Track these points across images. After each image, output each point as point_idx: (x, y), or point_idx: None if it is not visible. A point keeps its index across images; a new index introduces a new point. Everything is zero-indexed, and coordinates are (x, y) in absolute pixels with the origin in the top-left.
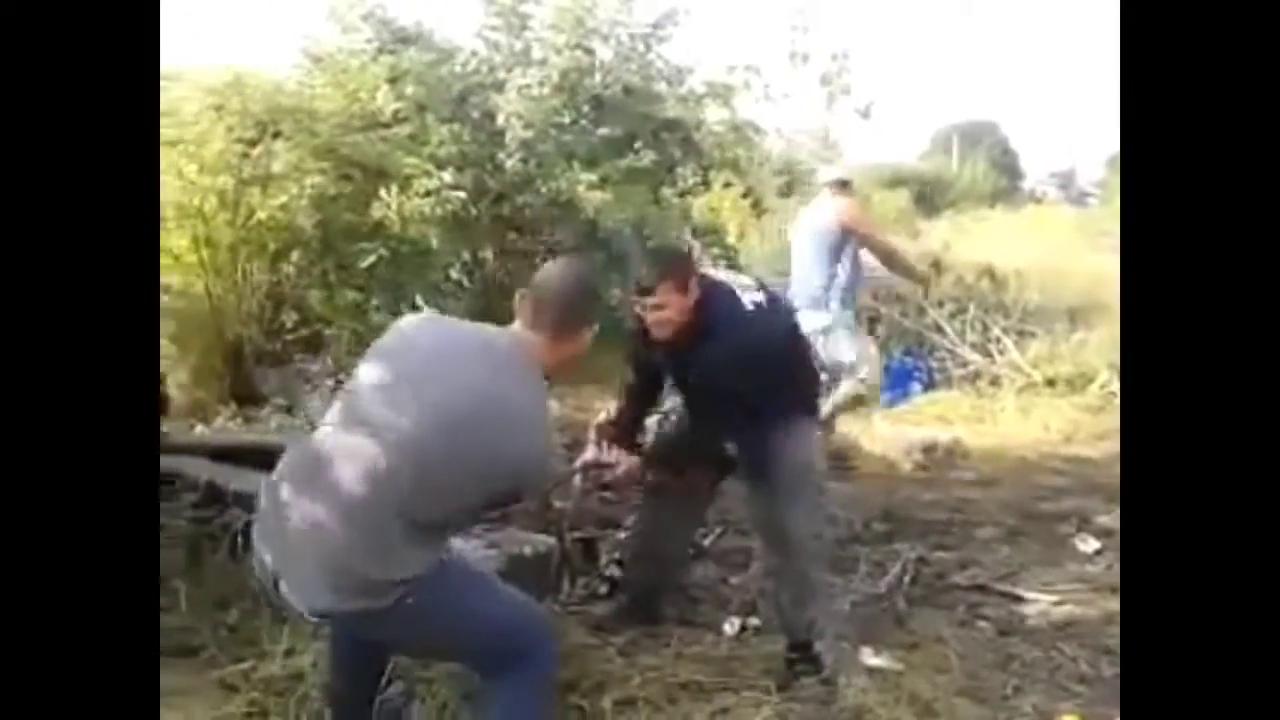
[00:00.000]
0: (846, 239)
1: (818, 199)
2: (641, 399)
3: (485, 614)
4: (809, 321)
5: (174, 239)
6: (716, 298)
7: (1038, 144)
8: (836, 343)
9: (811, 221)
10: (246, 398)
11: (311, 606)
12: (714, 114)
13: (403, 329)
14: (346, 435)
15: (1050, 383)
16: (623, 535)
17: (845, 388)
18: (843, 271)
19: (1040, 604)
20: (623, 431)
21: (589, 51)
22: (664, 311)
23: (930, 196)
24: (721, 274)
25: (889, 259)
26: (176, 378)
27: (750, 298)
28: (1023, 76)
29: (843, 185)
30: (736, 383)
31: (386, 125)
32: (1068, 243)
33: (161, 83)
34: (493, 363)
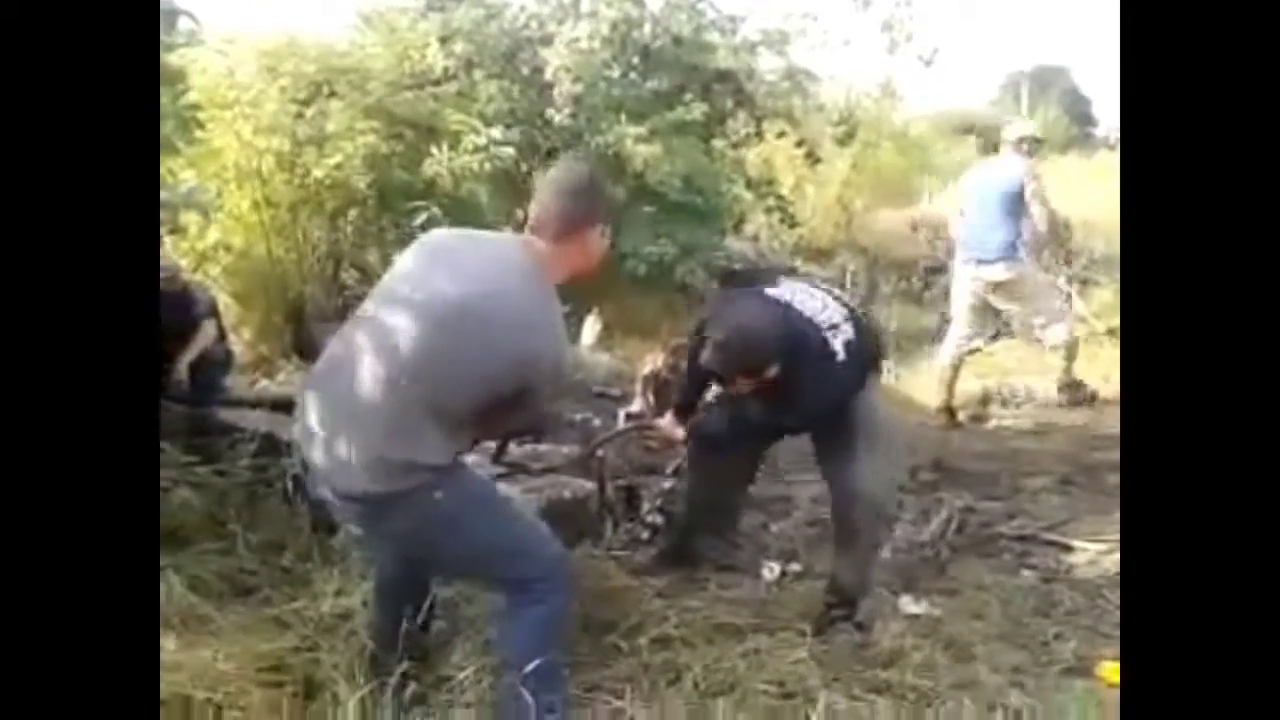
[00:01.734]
0: (1025, 198)
1: (1003, 154)
2: (700, 387)
3: (502, 531)
4: (991, 274)
5: (234, 200)
6: (805, 360)
7: (1112, 90)
8: (1029, 294)
9: (997, 179)
10: (308, 353)
11: (347, 490)
12: (767, 62)
13: (421, 240)
14: (362, 331)
15: (1112, 333)
16: (666, 483)
17: (1061, 333)
18: (1025, 229)
19: (1088, 553)
20: (676, 402)
21: (638, 2)
22: (741, 387)
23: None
24: (803, 295)
25: (1054, 225)
26: (241, 335)
27: (841, 340)
28: (1095, 20)
29: (1036, 143)
30: (817, 423)
31: (436, 83)
32: None
33: (218, 46)
34: (495, 262)
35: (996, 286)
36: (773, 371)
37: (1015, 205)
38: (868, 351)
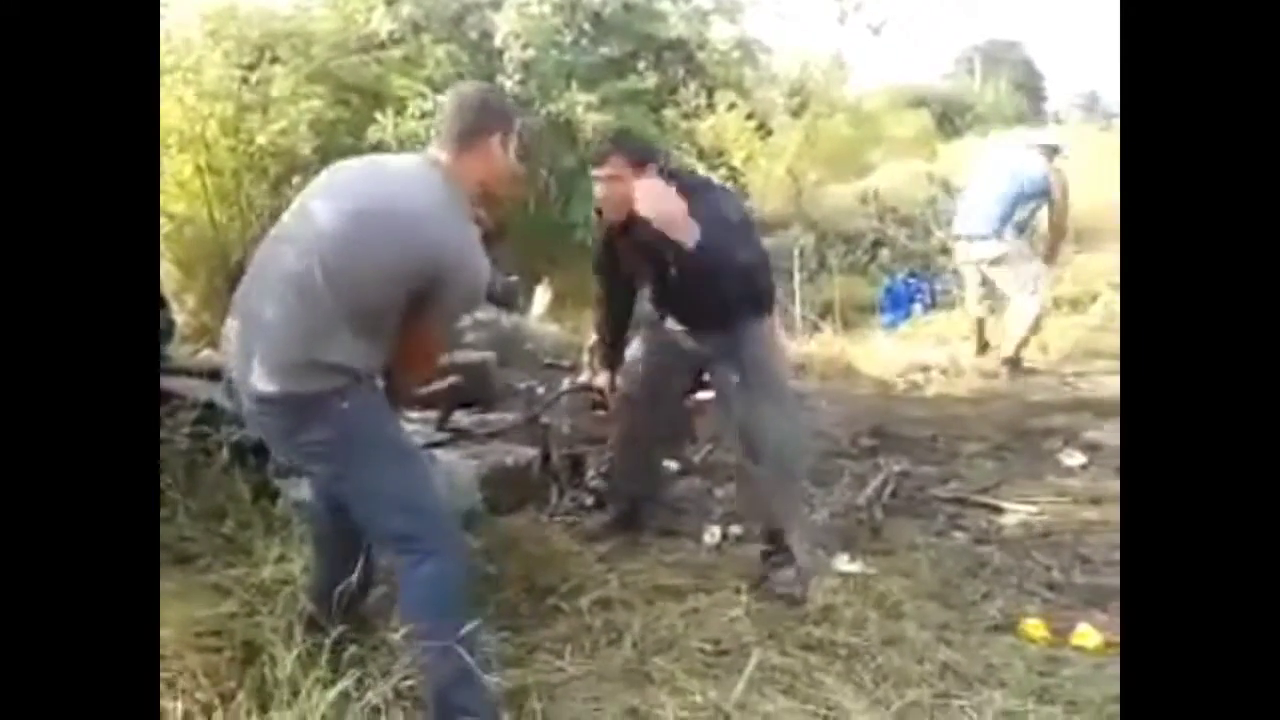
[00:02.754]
0: (1045, 196)
1: (1025, 152)
2: (618, 314)
3: (400, 471)
4: (980, 250)
5: (177, 165)
6: (687, 180)
7: (1063, 65)
8: (1014, 270)
9: (1018, 165)
10: None
11: (258, 393)
12: (719, 30)
13: (326, 170)
14: (271, 249)
15: (1053, 303)
16: (610, 451)
17: (1030, 308)
18: (1023, 213)
19: (1019, 515)
20: (606, 350)
21: None
22: (617, 185)
23: (951, 118)
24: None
25: (1062, 231)
26: (183, 303)
27: (716, 180)
28: None
29: (1055, 152)
30: (714, 253)
31: (382, 46)
32: (1087, 165)
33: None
34: (396, 177)
35: (988, 262)
36: (649, 168)
37: (1028, 192)
38: (741, 201)
